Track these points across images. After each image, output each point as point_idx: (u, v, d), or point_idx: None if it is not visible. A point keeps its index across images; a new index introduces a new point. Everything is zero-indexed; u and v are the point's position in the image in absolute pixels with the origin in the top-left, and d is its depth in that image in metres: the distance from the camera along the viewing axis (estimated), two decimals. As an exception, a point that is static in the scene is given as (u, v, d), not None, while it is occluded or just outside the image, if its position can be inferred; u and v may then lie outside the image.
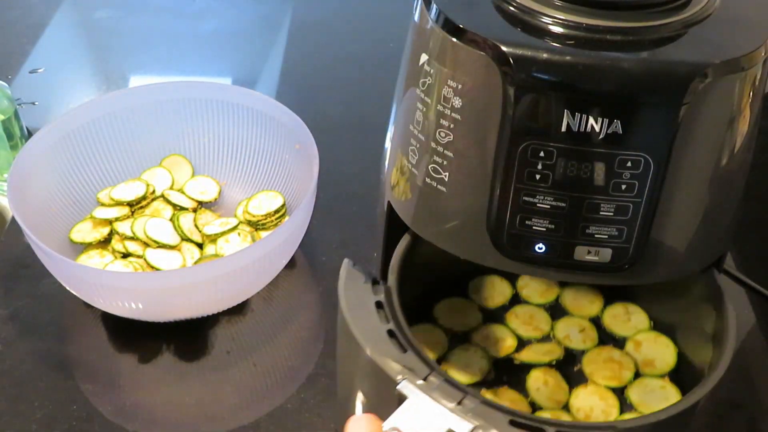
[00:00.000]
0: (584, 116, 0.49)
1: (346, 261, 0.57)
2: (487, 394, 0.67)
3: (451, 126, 0.54)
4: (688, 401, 0.53)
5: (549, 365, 0.70)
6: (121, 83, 1.14)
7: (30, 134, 0.97)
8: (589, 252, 0.54)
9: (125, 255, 0.81)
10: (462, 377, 0.68)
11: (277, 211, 0.84)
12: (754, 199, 0.64)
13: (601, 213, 0.52)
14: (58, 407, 0.71)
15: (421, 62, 0.55)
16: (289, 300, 0.83)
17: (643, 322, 0.72)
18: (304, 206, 0.75)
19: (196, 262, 0.80)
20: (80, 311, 0.79)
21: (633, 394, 0.67)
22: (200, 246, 0.83)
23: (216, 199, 0.88)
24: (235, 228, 0.82)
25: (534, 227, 0.53)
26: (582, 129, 0.49)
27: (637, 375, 0.69)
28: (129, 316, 0.74)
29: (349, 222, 0.90)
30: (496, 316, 0.74)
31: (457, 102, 0.53)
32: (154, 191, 0.87)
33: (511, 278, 0.77)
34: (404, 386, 0.50)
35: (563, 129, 0.50)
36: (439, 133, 0.54)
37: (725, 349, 0.56)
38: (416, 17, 0.56)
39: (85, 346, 0.78)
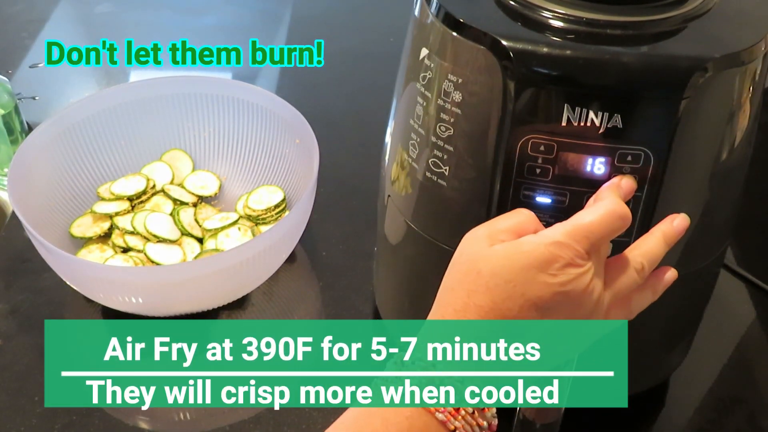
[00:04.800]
0: (584, 110, 0.49)
1: None
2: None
3: (452, 120, 0.53)
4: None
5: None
6: (122, 78, 1.14)
7: (30, 129, 0.97)
8: (589, 246, 0.54)
9: (125, 250, 0.81)
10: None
11: (277, 206, 0.84)
12: (753, 194, 0.64)
13: (601, 207, 0.52)
14: (58, 402, 0.71)
15: (421, 57, 0.55)
16: (289, 294, 0.83)
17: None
18: (304, 201, 0.75)
19: (196, 257, 0.80)
20: (80, 306, 0.79)
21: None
22: (200, 241, 0.83)
23: (216, 194, 0.88)
24: (235, 222, 0.82)
25: (534, 222, 0.53)
26: (582, 123, 0.49)
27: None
28: (129, 311, 0.74)
29: (350, 216, 0.90)
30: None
31: (457, 96, 0.53)
32: (154, 186, 0.87)
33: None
34: None
35: (563, 123, 0.49)
36: (440, 128, 0.54)
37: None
38: (417, 12, 0.56)
39: (85, 340, 0.78)
